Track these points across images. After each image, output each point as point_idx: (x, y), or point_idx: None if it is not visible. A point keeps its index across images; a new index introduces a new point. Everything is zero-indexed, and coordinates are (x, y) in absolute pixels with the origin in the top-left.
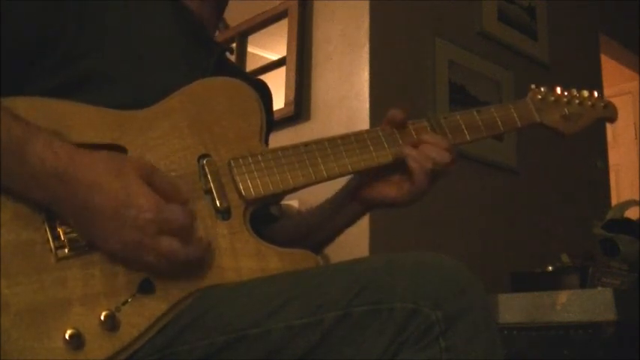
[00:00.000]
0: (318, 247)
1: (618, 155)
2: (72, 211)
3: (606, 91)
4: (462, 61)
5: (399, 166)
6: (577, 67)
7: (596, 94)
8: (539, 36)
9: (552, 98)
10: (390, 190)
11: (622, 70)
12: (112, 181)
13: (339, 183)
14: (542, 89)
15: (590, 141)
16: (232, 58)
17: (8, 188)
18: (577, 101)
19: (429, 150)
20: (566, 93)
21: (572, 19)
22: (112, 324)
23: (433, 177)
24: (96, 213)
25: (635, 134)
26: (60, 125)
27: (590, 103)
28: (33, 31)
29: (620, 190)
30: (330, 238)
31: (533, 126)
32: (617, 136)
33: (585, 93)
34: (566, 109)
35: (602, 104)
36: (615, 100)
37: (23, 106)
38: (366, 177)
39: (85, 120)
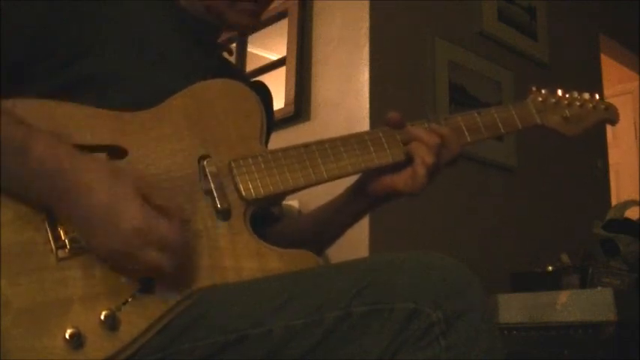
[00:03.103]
0: (326, 243)
1: (618, 155)
2: (67, 212)
3: (606, 91)
4: (462, 61)
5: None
6: (577, 67)
7: (597, 96)
8: (539, 36)
9: (553, 100)
10: (392, 179)
11: (622, 70)
12: (106, 185)
13: (340, 184)
14: (542, 91)
15: (590, 141)
16: (232, 58)
17: (7, 188)
18: (578, 103)
19: (422, 134)
20: (567, 95)
21: (572, 19)
22: (112, 323)
23: (433, 156)
24: (88, 215)
25: (635, 134)
26: (60, 127)
27: (591, 105)
28: (33, 33)
29: (620, 190)
30: (337, 235)
31: (534, 128)
32: (617, 136)
33: (586, 95)
34: (567, 111)
35: (603, 106)
36: (615, 100)
37: (23, 107)
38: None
39: (85, 121)
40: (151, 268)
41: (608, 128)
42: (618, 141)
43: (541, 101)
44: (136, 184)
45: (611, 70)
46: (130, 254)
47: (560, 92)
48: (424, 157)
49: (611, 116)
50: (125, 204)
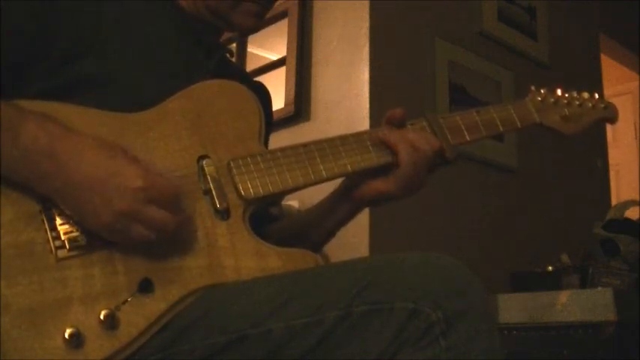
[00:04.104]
0: (315, 246)
1: (618, 155)
2: (60, 189)
3: (606, 91)
4: (462, 61)
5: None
6: (577, 67)
7: (596, 95)
8: (539, 36)
9: (552, 99)
10: (378, 183)
11: (622, 70)
12: (100, 153)
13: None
14: (542, 91)
15: (590, 141)
16: (232, 59)
17: (3, 170)
18: (577, 102)
19: (410, 134)
20: (566, 94)
21: (572, 19)
22: (111, 323)
23: (419, 162)
24: (83, 186)
25: (635, 134)
26: None
27: (590, 104)
28: (33, 33)
29: (620, 190)
30: (327, 238)
31: (533, 127)
32: (617, 136)
33: (585, 94)
34: (566, 110)
35: (603, 105)
36: (615, 100)
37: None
38: (357, 177)
39: (84, 122)
40: (156, 225)
41: (608, 128)
42: (618, 141)
43: (540, 100)
44: (126, 152)
45: (611, 70)
46: (135, 213)
47: (559, 91)
48: (405, 145)
49: (610, 115)
50: (123, 166)
